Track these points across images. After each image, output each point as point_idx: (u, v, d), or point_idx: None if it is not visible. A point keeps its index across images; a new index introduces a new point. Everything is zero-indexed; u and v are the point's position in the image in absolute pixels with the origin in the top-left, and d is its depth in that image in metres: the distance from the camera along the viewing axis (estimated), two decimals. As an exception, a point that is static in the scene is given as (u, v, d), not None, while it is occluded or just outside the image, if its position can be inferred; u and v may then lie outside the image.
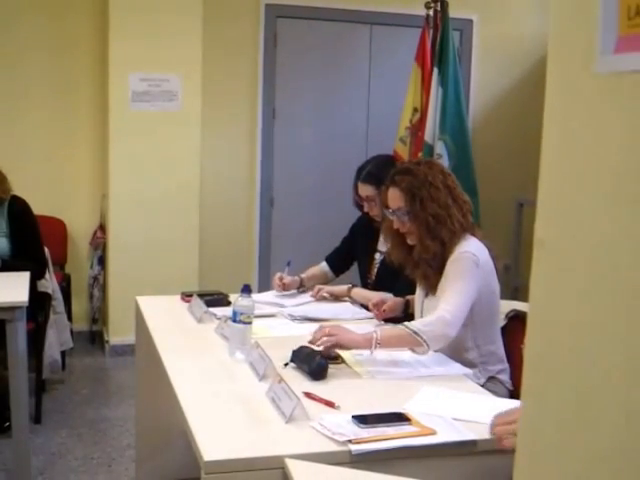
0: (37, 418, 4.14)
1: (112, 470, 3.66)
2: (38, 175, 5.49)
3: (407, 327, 2.51)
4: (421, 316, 2.83)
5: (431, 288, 2.76)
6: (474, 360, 2.70)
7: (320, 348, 2.48)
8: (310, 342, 2.52)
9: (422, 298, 2.89)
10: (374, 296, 3.14)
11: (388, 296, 3.14)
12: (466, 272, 2.64)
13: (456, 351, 2.67)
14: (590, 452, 0.72)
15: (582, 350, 0.73)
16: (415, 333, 2.48)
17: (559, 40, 0.78)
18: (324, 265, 3.69)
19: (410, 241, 2.79)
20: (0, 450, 3.77)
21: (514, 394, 2.71)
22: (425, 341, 2.48)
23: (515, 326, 2.90)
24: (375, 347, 2.48)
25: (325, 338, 2.48)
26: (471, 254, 2.66)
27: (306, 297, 3.47)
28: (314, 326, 2.91)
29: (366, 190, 3.39)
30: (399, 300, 3.06)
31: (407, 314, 3.01)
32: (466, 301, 2.60)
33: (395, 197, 2.77)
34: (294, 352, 2.46)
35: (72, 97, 5.59)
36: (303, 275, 3.57)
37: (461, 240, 2.70)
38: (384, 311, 3.00)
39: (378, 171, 3.37)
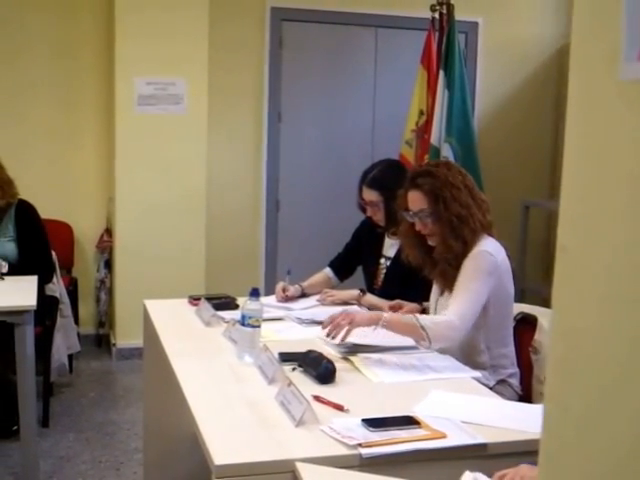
0: (45, 422, 4.15)
1: (120, 474, 3.67)
2: (44, 179, 5.50)
3: (417, 319, 2.58)
4: (435, 314, 2.85)
5: (448, 286, 2.78)
6: (485, 363, 2.71)
7: (337, 340, 2.53)
8: (327, 335, 2.58)
9: (437, 296, 2.91)
10: (385, 305, 3.15)
11: (404, 302, 3.15)
12: (482, 272, 2.67)
13: (468, 353, 2.67)
14: (613, 457, 0.72)
15: (605, 355, 0.72)
16: (422, 328, 2.54)
17: (582, 46, 0.78)
18: (328, 271, 3.68)
19: (431, 242, 2.81)
20: (8, 454, 3.78)
21: (523, 398, 2.71)
22: (429, 338, 2.56)
23: (523, 329, 2.91)
24: (380, 326, 2.56)
25: (340, 327, 2.53)
26: (488, 253, 2.70)
27: (312, 300, 3.47)
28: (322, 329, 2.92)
29: (370, 195, 3.38)
30: (416, 307, 3.07)
31: None
32: (478, 303, 2.64)
33: (417, 199, 2.79)
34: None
35: (78, 100, 5.60)
36: (304, 284, 3.55)
37: (480, 239, 2.73)
38: None
39: (383, 176, 3.38)
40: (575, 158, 0.78)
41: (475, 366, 2.62)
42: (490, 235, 2.78)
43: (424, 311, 3.05)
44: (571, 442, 0.75)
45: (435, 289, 2.95)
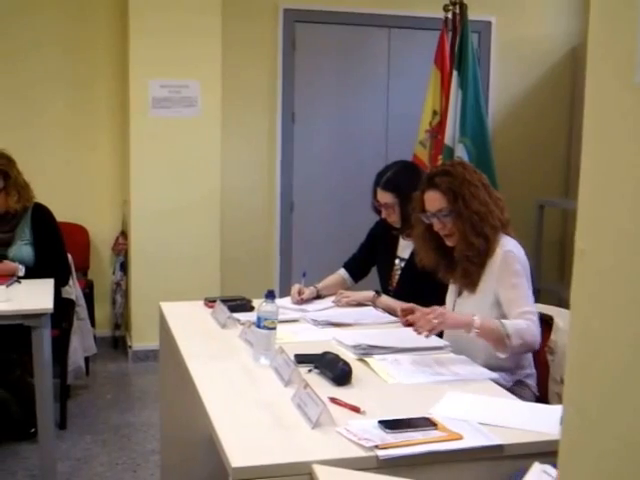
0: (62, 424, 4.17)
1: (137, 476, 3.68)
2: (59, 182, 5.54)
3: (504, 327, 2.56)
4: None
5: (471, 285, 2.78)
6: (506, 363, 2.69)
7: (425, 334, 2.52)
8: (408, 326, 2.59)
9: (454, 298, 2.91)
10: (400, 306, 3.15)
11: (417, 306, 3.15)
12: (521, 272, 2.70)
13: (490, 352, 2.66)
14: (631, 459, 0.72)
15: (623, 359, 0.72)
16: (507, 336, 2.54)
17: (598, 52, 0.78)
18: (343, 272, 3.68)
19: (450, 242, 2.81)
20: (26, 456, 3.81)
21: (540, 399, 2.70)
22: (511, 347, 2.56)
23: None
24: (471, 332, 2.56)
25: (432, 327, 2.52)
26: (514, 254, 2.71)
27: (328, 302, 3.47)
28: (337, 331, 2.93)
29: (385, 197, 3.38)
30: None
31: None
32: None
33: (435, 199, 2.79)
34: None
35: (92, 101, 5.64)
36: (319, 285, 3.56)
37: (501, 237, 2.75)
38: (408, 321, 3.02)
39: (397, 178, 3.37)
40: (592, 162, 0.78)
41: (496, 366, 2.62)
42: (507, 234, 2.78)
43: None
44: (589, 444, 0.75)
45: (452, 291, 2.95)
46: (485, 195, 2.76)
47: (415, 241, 3.02)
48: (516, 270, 2.69)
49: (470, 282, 2.79)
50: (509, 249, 2.72)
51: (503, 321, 2.60)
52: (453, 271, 2.87)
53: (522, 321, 2.58)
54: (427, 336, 2.53)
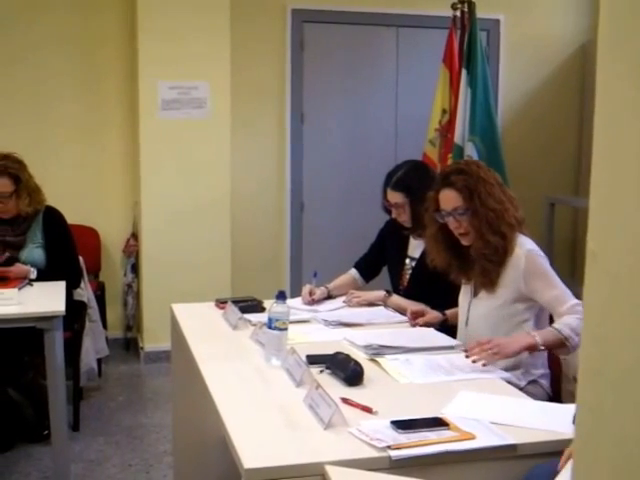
0: (75, 426, 4.19)
1: (150, 477, 3.69)
2: (70, 185, 5.55)
3: (560, 332, 2.56)
4: (467, 317, 2.85)
5: (490, 285, 2.77)
6: (522, 361, 2.68)
7: (478, 363, 2.48)
8: (466, 356, 2.53)
9: (469, 298, 2.89)
10: (410, 307, 3.16)
11: (427, 308, 3.15)
12: (550, 268, 2.71)
13: None
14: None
15: (638, 363, 0.72)
16: (566, 339, 2.54)
17: (608, 49, 0.77)
18: (354, 272, 3.68)
19: (465, 242, 2.80)
20: (40, 458, 3.82)
21: (553, 399, 2.69)
22: (573, 347, 2.55)
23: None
24: (537, 350, 2.58)
25: (485, 354, 2.49)
26: (538, 252, 2.73)
27: (339, 302, 3.48)
28: (349, 331, 2.93)
29: (395, 197, 3.38)
30: (438, 316, 3.07)
31: (443, 328, 3.02)
32: None
33: (451, 197, 2.79)
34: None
35: (102, 104, 5.64)
36: (330, 285, 3.56)
37: (518, 236, 2.75)
38: (418, 323, 3.03)
39: (408, 178, 3.37)
40: (604, 163, 0.78)
41: (510, 364, 2.61)
42: (522, 233, 2.78)
43: (446, 321, 3.05)
44: (605, 448, 0.74)
45: (466, 291, 2.94)
46: (500, 193, 2.76)
47: (427, 241, 3.01)
48: (546, 269, 2.71)
49: (489, 281, 2.77)
50: (531, 248, 2.73)
51: (555, 326, 2.59)
52: (467, 271, 2.86)
53: (572, 317, 2.57)
54: (484, 365, 2.48)
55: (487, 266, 2.75)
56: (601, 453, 0.76)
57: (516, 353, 2.56)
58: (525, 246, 2.73)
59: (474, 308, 2.86)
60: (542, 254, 2.75)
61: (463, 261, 2.85)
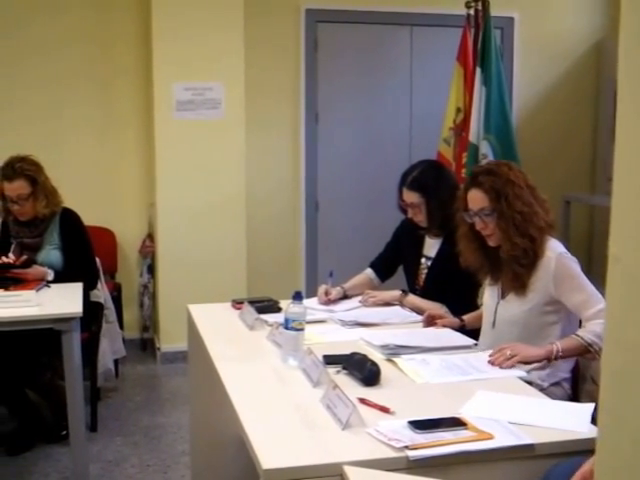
0: (93, 426, 4.21)
1: (168, 477, 3.71)
2: (86, 186, 5.58)
3: (583, 339, 2.56)
4: (493, 319, 2.84)
5: (521, 288, 2.75)
6: (550, 363, 2.67)
7: (497, 366, 2.50)
8: (490, 362, 2.53)
9: (497, 300, 2.87)
10: (427, 307, 3.15)
11: (444, 310, 3.14)
12: (580, 272, 2.71)
13: None
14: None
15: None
16: (590, 345, 2.54)
17: (630, 53, 0.76)
18: (370, 272, 3.68)
19: (491, 242, 2.79)
20: (58, 458, 3.85)
21: (572, 399, 2.68)
22: (598, 352, 2.54)
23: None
24: (556, 358, 2.58)
25: (506, 359, 2.50)
26: (568, 255, 2.73)
27: (355, 302, 3.47)
28: (365, 331, 2.93)
29: (411, 197, 3.37)
30: (454, 321, 3.05)
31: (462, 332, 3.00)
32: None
33: (478, 198, 2.78)
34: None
35: (117, 107, 5.67)
36: (346, 285, 3.56)
37: (547, 239, 2.74)
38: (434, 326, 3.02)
39: (423, 178, 3.36)
40: (626, 165, 0.77)
41: (540, 364, 2.61)
42: (551, 236, 2.77)
43: (463, 327, 3.04)
44: (627, 454, 0.74)
45: (492, 293, 2.91)
46: (529, 196, 2.74)
47: (459, 240, 2.99)
48: (576, 272, 2.70)
49: (520, 285, 2.75)
50: (561, 251, 2.72)
51: (579, 333, 2.59)
52: (498, 272, 2.85)
53: (596, 322, 2.57)
54: (502, 367, 2.50)
55: (518, 270, 2.74)
56: (621, 455, 0.75)
57: (535, 360, 2.56)
58: (556, 249, 2.72)
59: (502, 310, 2.83)
60: (573, 257, 2.73)
61: (493, 262, 2.84)
